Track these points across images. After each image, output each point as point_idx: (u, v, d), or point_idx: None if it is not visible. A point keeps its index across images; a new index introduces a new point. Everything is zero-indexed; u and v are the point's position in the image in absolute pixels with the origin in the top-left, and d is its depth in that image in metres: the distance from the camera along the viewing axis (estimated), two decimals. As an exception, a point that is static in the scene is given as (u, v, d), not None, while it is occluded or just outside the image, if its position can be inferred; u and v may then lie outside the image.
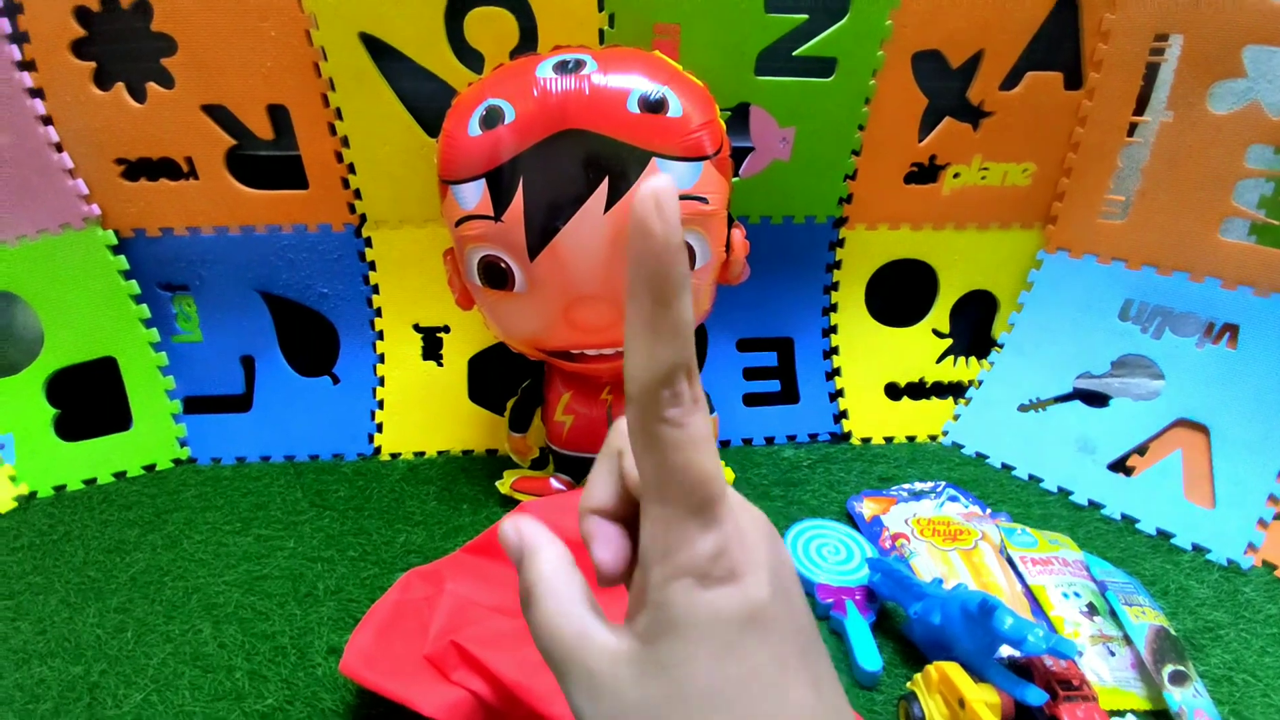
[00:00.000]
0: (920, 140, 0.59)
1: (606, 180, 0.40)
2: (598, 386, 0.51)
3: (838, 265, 0.63)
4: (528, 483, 0.53)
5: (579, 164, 0.40)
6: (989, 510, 0.52)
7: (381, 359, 0.61)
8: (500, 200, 0.41)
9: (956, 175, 0.61)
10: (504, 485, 0.53)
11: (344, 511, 0.54)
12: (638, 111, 0.40)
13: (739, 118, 0.55)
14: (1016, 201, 0.62)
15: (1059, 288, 0.63)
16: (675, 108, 0.41)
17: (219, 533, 0.52)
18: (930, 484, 0.54)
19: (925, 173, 0.61)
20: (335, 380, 0.62)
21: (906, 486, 0.54)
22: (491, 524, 0.51)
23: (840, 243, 0.63)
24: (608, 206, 0.41)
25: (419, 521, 0.52)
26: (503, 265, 0.43)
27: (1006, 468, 0.60)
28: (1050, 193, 0.62)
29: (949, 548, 0.47)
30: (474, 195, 0.42)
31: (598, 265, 0.42)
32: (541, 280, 0.43)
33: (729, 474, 0.54)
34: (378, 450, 0.60)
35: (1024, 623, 0.34)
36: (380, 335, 0.61)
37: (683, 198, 0.42)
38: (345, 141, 0.55)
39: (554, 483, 0.53)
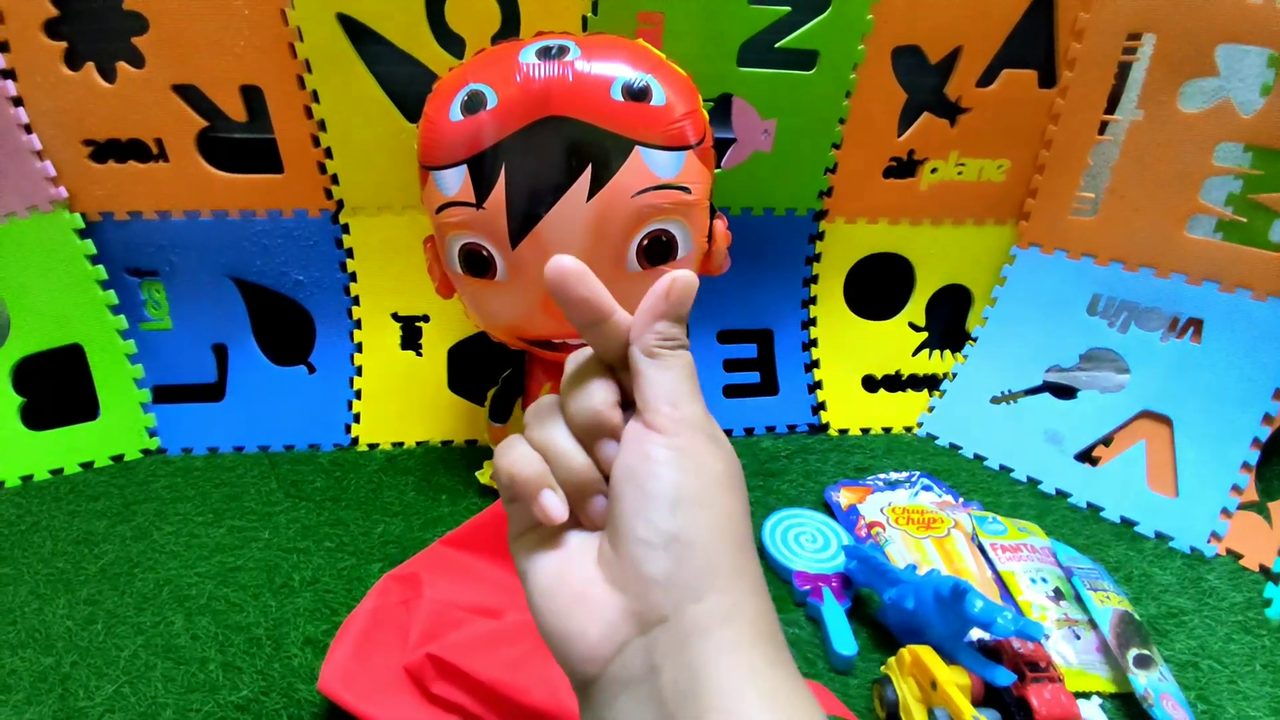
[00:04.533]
0: (899, 135, 0.60)
1: (589, 168, 0.40)
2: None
3: (817, 258, 0.64)
4: (508, 472, 0.53)
5: (562, 151, 0.40)
6: (961, 499, 0.54)
7: (359, 348, 0.61)
8: (482, 187, 0.41)
9: (934, 170, 0.62)
10: (484, 476, 0.53)
11: (320, 502, 0.53)
12: (621, 99, 0.40)
13: (721, 109, 0.55)
14: (992, 197, 0.63)
15: (1030, 282, 0.64)
16: (659, 96, 0.41)
17: (190, 524, 0.51)
18: (905, 474, 0.55)
19: (904, 167, 0.62)
20: (311, 370, 0.61)
21: (882, 476, 0.55)
22: (471, 514, 0.51)
23: (820, 235, 0.63)
24: (590, 194, 0.41)
25: (397, 512, 0.52)
26: (484, 253, 0.43)
27: (979, 458, 0.61)
28: (1024, 189, 0.63)
29: (923, 535, 0.48)
30: (455, 181, 0.42)
31: (579, 253, 0.41)
32: (523, 268, 0.43)
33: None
34: (355, 441, 0.60)
35: (993, 606, 0.34)
36: (358, 324, 0.61)
37: (665, 187, 0.42)
38: (322, 125, 0.54)
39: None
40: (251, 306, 0.60)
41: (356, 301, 0.60)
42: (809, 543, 0.48)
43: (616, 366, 0.21)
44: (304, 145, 0.54)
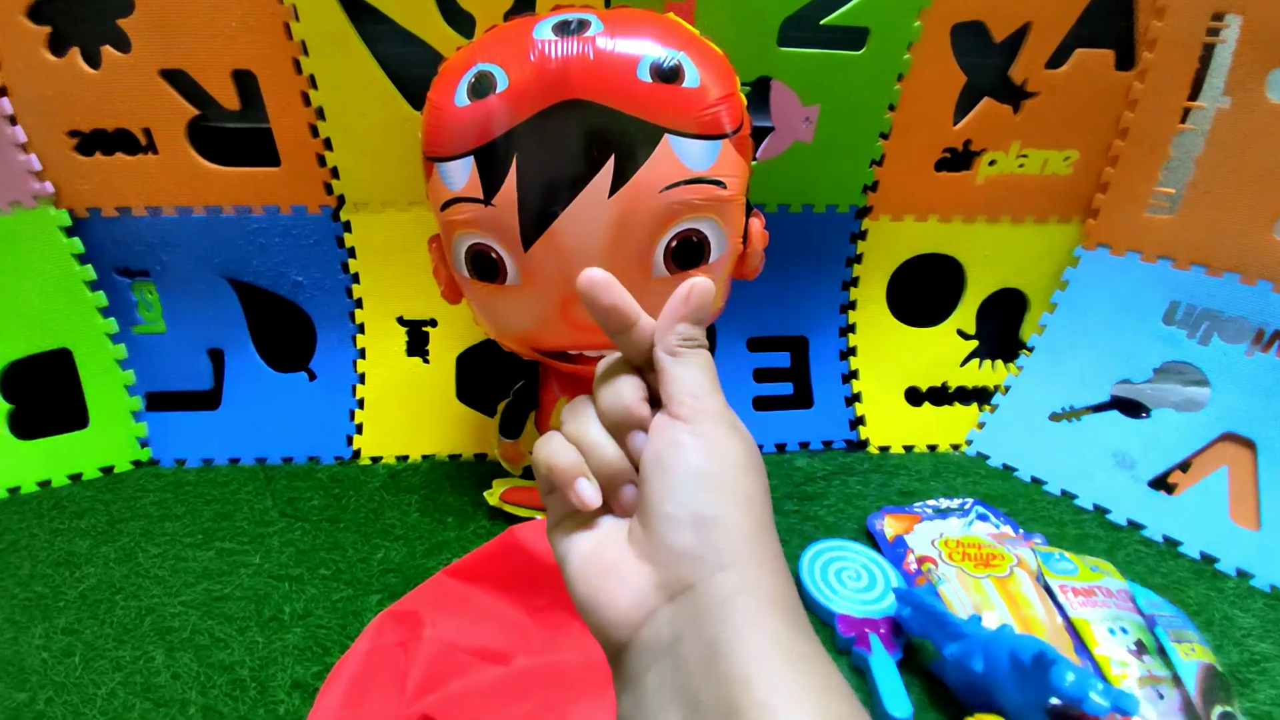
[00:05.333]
0: (955, 123, 0.54)
1: (612, 159, 0.35)
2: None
3: (858, 259, 0.59)
4: (519, 494, 0.48)
5: (581, 140, 0.35)
6: (1022, 531, 0.48)
7: (362, 354, 0.57)
8: (491, 181, 0.36)
9: (992, 163, 0.56)
10: (493, 496, 0.48)
11: (317, 523, 0.49)
12: (649, 80, 0.35)
13: (758, 94, 0.50)
14: (1056, 192, 0.57)
15: (1097, 287, 0.58)
16: (692, 77, 0.36)
17: (178, 545, 0.47)
18: (957, 501, 0.50)
19: (959, 159, 0.56)
20: (312, 376, 0.57)
21: (931, 503, 0.50)
22: (478, 539, 0.47)
23: (862, 234, 0.58)
24: (613, 190, 0.36)
25: (399, 536, 0.48)
26: (493, 255, 0.38)
27: (1037, 482, 0.55)
28: (1093, 183, 0.57)
29: (981, 574, 0.42)
30: (461, 175, 0.37)
31: (600, 256, 0.37)
32: (536, 272, 0.38)
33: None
34: (357, 454, 0.55)
35: (1085, 678, 0.29)
36: (360, 328, 0.56)
37: (697, 181, 0.37)
38: (320, 113, 0.49)
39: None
40: (249, 309, 0.57)
41: (359, 304, 0.56)
42: (852, 580, 0.43)
43: (644, 368, 0.23)
44: (301, 135, 0.50)
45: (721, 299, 0.43)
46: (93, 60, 0.48)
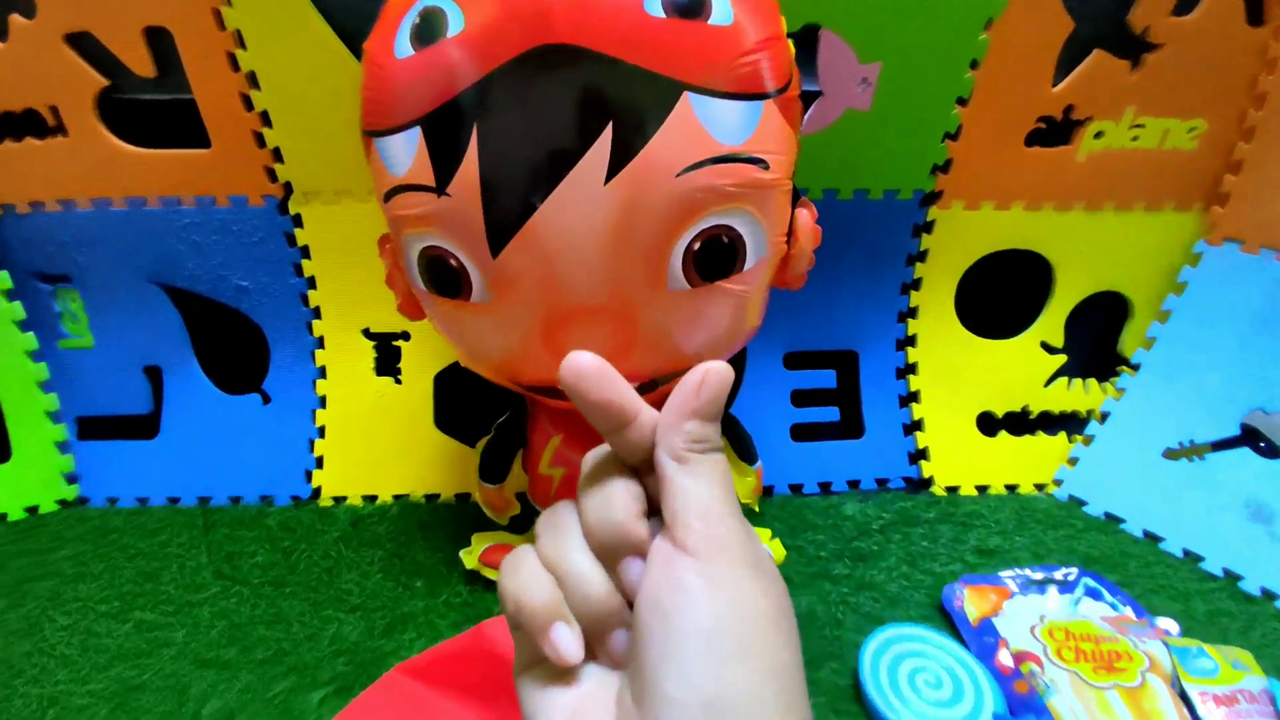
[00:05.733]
0: (1055, 84, 0.42)
1: (610, 129, 0.25)
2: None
3: (922, 257, 0.48)
4: (501, 554, 0.39)
5: (567, 101, 0.25)
6: (1148, 616, 0.37)
7: (322, 373, 0.47)
8: (444, 161, 0.27)
9: (1099, 135, 0.44)
10: (470, 557, 0.39)
11: (259, 586, 0.40)
12: (662, 16, 0.25)
13: (802, 49, 0.39)
14: (1175, 172, 0.46)
15: (1223, 291, 0.47)
16: (721, 12, 0.26)
17: (91, 615, 0.39)
18: (1061, 572, 0.39)
19: (1056, 131, 0.44)
20: (265, 399, 0.48)
21: (1023, 572, 0.39)
22: (450, 612, 0.38)
23: (928, 226, 0.47)
24: (612, 172, 0.26)
25: (356, 605, 0.39)
26: (452, 262, 0.28)
27: (1151, 538, 0.44)
28: (1222, 162, 0.45)
29: (1105, 683, 0.32)
30: (405, 153, 0.27)
31: (594, 263, 0.27)
32: (510, 286, 0.28)
33: (775, 550, 0.40)
34: (316, 493, 0.47)
35: None
36: (320, 342, 0.47)
37: (730, 159, 0.26)
38: (253, 79, 0.40)
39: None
40: (190, 320, 0.48)
41: (317, 314, 0.47)
42: (931, 689, 0.33)
43: (641, 469, 0.19)
44: (231, 108, 0.40)
45: (758, 315, 0.33)
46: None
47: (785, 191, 0.30)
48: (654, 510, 0.19)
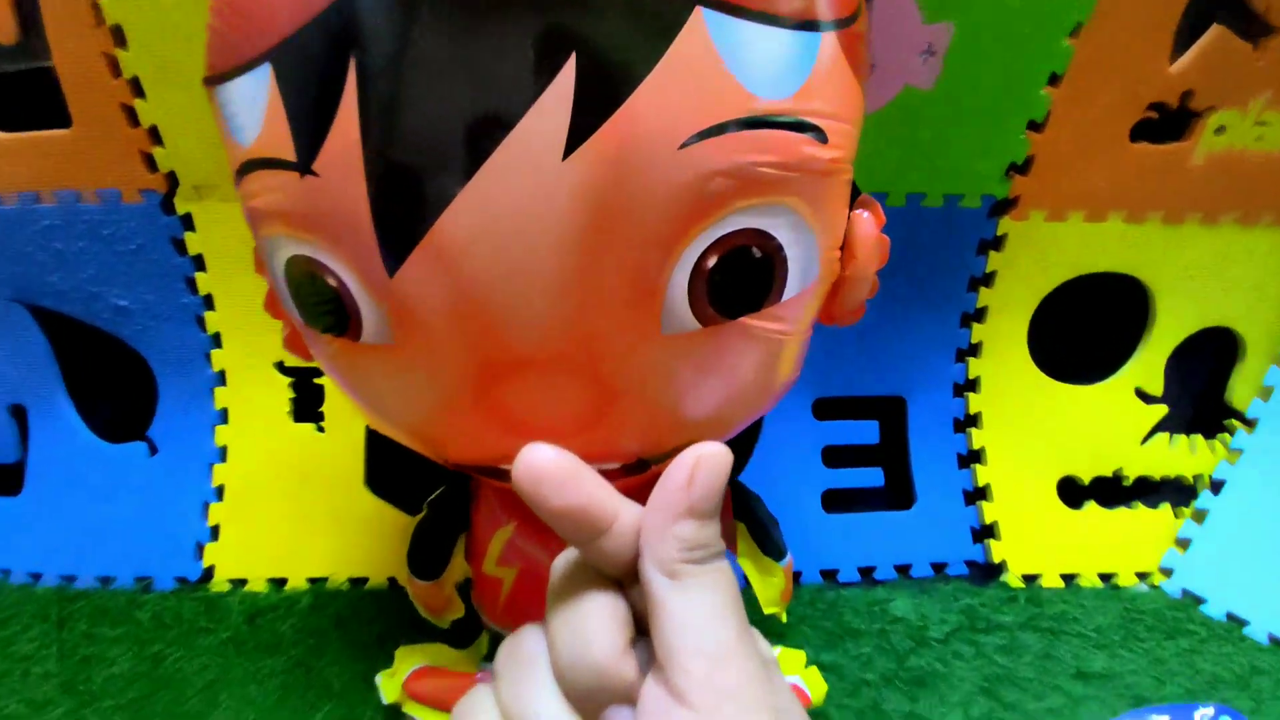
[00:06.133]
0: (1171, 63, 0.33)
1: (572, 65, 0.15)
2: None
3: (988, 280, 0.38)
4: (433, 683, 0.28)
5: (504, 24, 0.15)
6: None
7: (223, 417, 0.37)
8: (306, 120, 0.17)
9: (1220, 130, 0.35)
10: (391, 686, 0.28)
11: (111, 711, 0.30)
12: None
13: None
14: (1316, 179, 0.36)
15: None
16: (758, -120, 0.16)
17: None
18: (1198, 711, 0.29)
19: (1169, 122, 0.35)
20: (152, 450, 0.38)
21: (1149, 714, 0.29)
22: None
23: (998, 241, 0.37)
24: (574, 140, 0.15)
25: (229, 750, 0.28)
26: (330, 281, 0.18)
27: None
28: (1376, 165, 0.36)
29: None
30: (251, 106, 0.17)
31: (549, 286, 0.17)
32: (421, 321, 0.18)
33: (812, 684, 0.29)
34: (208, 574, 0.36)
35: None
36: (221, 378, 0.37)
37: (770, 123, 0.16)
38: (119, 36, 0.30)
39: (481, 683, 0.28)
40: (59, 346, 0.38)
41: (217, 342, 0.37)
42: None
43: (625, 580, 0.16)
44: (97, 76, 0.31)
45: (794, 367, 0.22)
46: None
47: (846, 181, 0.20)
48: (643, 628, 0.16)
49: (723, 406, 0.21)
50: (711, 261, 0.17)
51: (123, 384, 0.39)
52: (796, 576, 0.37)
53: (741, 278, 0.18)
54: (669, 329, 0.18)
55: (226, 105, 0.18)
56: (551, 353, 0.18)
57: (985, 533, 0.38)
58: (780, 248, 0.18)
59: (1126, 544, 0.38)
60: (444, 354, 0.18)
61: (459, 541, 0.29)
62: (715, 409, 0.21)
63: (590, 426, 0.20)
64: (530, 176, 0.16)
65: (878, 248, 0.22)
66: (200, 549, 0.36)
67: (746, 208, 0.17)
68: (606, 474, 0.19)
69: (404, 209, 0.17)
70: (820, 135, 0.17)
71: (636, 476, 0.22)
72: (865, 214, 0.22)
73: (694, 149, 0.16)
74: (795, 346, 0.21)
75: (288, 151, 0.17)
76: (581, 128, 0.15)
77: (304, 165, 0.17)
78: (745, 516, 0.28)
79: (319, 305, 0.19)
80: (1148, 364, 0.40)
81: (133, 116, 0.31)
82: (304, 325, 0.21)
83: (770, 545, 0.29)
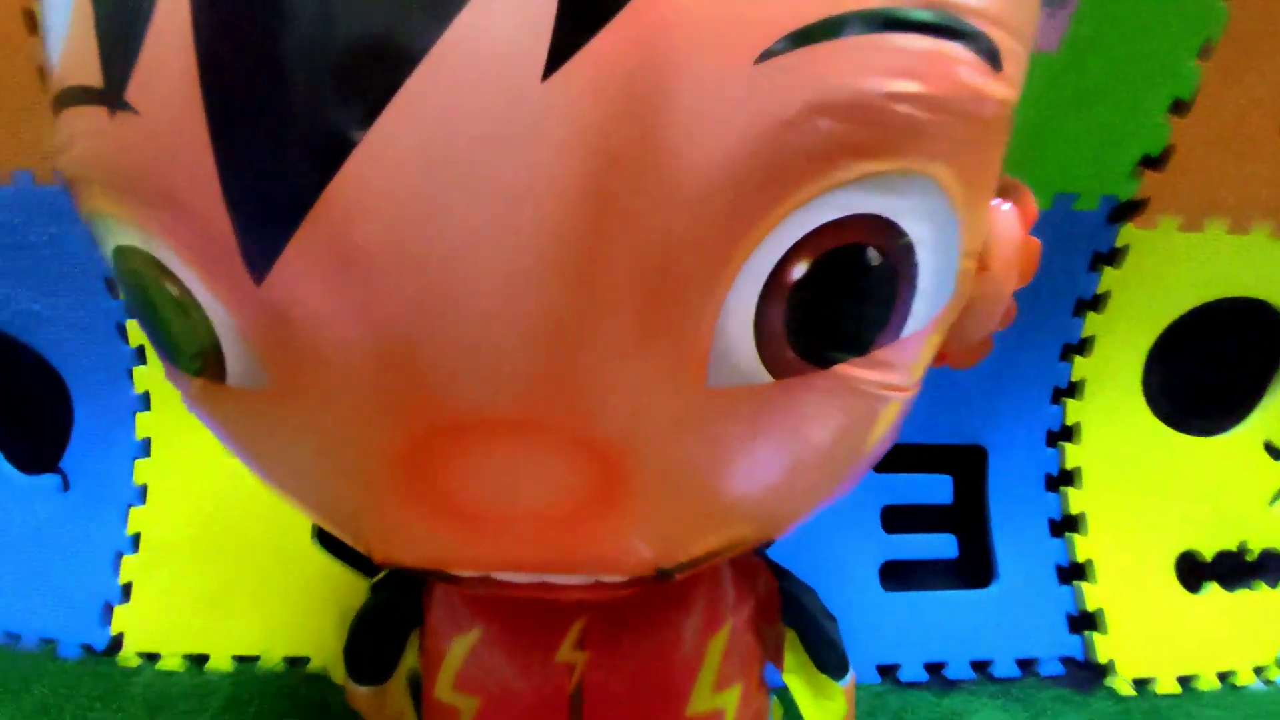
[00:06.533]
0: (1364, 24, 0.25)
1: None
2: (549, 621, 0.18)
3: (1098, 303, 0.30)
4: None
5: None
6: None
7: (145, 449, 0.31)
8: (115, 20, 0.10)
9: None
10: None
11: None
12: None
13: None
14: None
15: None
16: None
17: None
18: None
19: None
20: (65, 484, 0.31)
21: None
22: None
23: (1114, 256, 0.29)
24: (561, 47, 0.08)
25: None
26: (171, 289, 0.11)
27: None
28: None
29: None
30: (60, 11, 0.11)
31: (521, 293, 0.10)
32: (310, 351, 0.11)
33: None
34: (117, 643, 0.29)
35: None
36: (145, 401, 0.30)
37: (913, 23, 0.09)
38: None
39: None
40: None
41: (141, 357, 0.30)
42: None
43: None
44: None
45: (891, 436, 0.15)
46: None
47: (1003, 139, 0.12)
48: None
49: (783, 494, 0.14)
50: (798, 271, 0.10)
51: (41, 405, 0.32)
52: (848, 672, 0.29)
53: (847, 300, 0.11)
54: (718, 380, 0.11)
55: (44, 12, 0.11)
56: (525, 411, 0.11)
57: (1085, 621, 0.30)
58: (911, 248, 0.11)
59: (1249, 634, 0.30)
60: (350, 409, 0.11)
61: (408, 646, 0.22)
62: (772, 497, 0.14)
63: (584, 521, 0.12)
64: (484, 109, 0.09)
65: (1022, 255, 0.15)
66: (109, 610, 0.30)
67: (863, 178, 0.10)
68: (605, 588, 0.12)
69: (272, 165, 0.10)
70: (992, 53, 0.10)
71: (660, 583, 0.14)
72: (1006, 205, 0.15)
73: (780, 63, 0.09)
74: (901, 406, 0.14)
75: (93, 73, 0.10)
76: (575, 21, 0.08)
77: (114, 94, 0.10)
78: (797, 621, 0.21)
79: (160, 326, 0.12)
80: (1276, 411, 0.32)
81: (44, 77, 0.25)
82: (160, 355, 0.14)
83: (831, 659, 0.21)
